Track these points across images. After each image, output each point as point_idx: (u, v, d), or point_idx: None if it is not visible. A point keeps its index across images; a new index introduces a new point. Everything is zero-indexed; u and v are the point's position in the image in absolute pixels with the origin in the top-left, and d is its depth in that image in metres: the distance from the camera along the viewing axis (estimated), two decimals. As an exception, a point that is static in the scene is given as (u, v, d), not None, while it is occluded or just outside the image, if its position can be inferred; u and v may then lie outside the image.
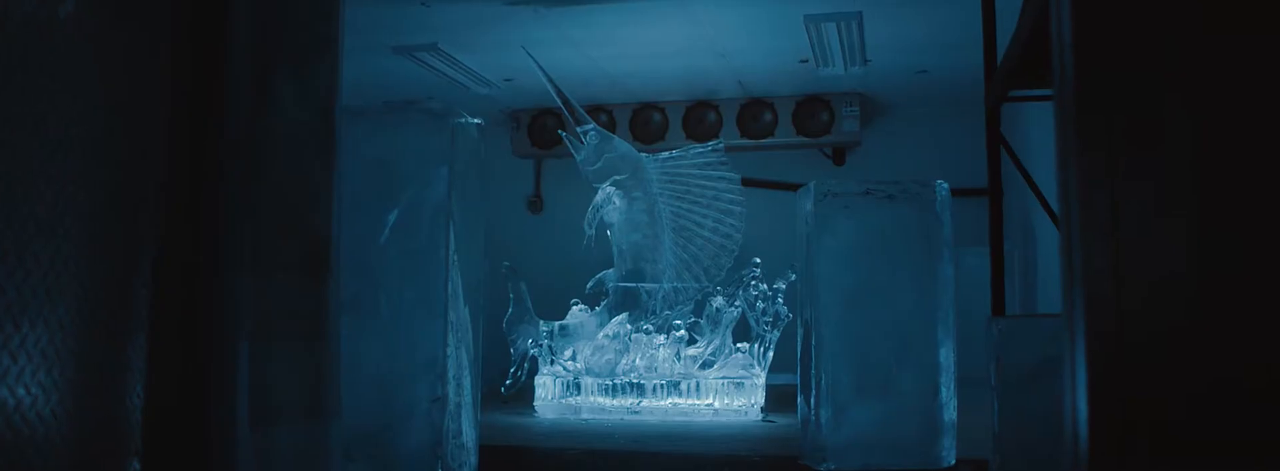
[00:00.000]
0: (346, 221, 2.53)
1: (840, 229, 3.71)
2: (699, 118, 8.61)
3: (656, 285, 6.03)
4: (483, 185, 2.69)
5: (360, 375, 2.38)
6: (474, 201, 2.61)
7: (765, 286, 5.92)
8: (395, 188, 2.46)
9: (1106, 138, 1.40)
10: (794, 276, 5.87)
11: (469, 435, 2.49)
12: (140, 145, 1.63)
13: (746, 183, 6.29)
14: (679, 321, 5.95)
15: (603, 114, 8.41)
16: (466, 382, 2.46)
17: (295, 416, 1.93)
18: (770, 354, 5.89)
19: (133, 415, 1.54)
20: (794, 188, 8.43)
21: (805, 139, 8.56)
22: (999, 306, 3.50)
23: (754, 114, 8.56)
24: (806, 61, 7.42)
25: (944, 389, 3.66)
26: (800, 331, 3.91)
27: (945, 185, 3.78)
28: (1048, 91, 3.82)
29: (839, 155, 8.88)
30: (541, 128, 8.84)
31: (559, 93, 6.08)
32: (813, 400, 3.71)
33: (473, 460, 2.57)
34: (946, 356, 3.67)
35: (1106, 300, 1.31)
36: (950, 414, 3.67)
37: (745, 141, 8.46)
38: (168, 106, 1.72)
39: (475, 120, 2.58)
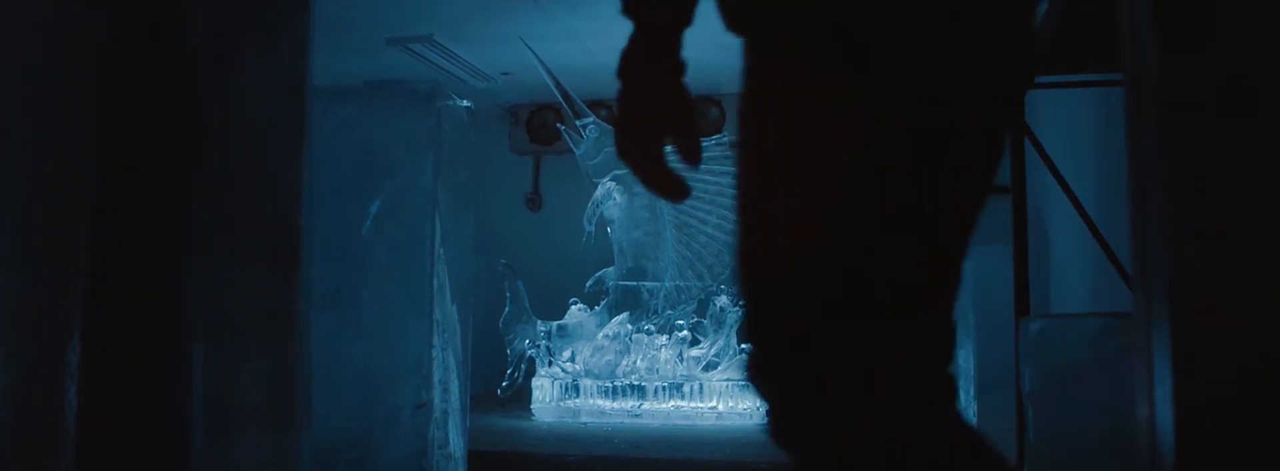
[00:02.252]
0: (326, 211, 2.34)
1: (853, 223, 3.51)
2: (701, 113, 8.42)
3: (658, 284, 5.83)
4: (473, 173, 2.50)
5: (338, 378, 2.19)
6: (463, 191, 2.42)
7: (771, 285, 5.72)
8: (378, 175, 2.27)
9: (1193, 120, 1.21)
10: (800, 275, 5.68)
11: (457, 444, 2.30)
12: (77, 123, 1.44)
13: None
14: (681, 321, 5.75)
15: (603, 109, 8.21)
16: (454, 387, 2.27)
17: (258, 426, 1.75)
18: (776, 355, 5.69)
19: (63, 425, 1.35)
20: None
21: (810, 135, 8.36)
22: (1023, 305, 3.30)
23: (758, 109, 8.37)
24: (812, 54, 7.24)
25: (962, 393, 3.47)
26: (811, 331, 3.70)
27: (964, 177, 3.58)
28: (1077, 77, 3.61)
29: (844, 152, 8.69)
30: (540, 123, 8.64)
31: (558, 85, 5.90)
32: (824, 404, 3.51)
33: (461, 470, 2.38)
34: (965, 358, 3.48)
35: (1197, 299, 1.12)
36: (969, 419, 3.47)
37: (749, 137, 8.26)
38: (112, 80, 1.53)
39: (464, 103, 2.38)
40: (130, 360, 1.60)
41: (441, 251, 2.25)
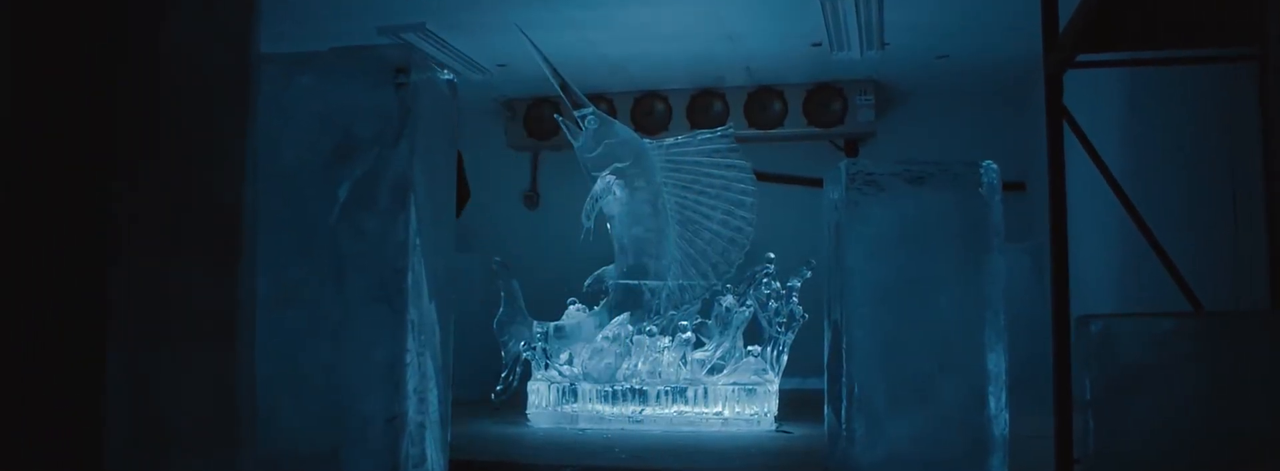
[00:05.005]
0: (286, 196, 2.07)
1: (874, 216, 3.24)
2: (704, 107, 8.16)
3: (660, 283, 5.55)
4: (455, 155, 2.22)
5: (298, 388, 1.92)
6: (443, 174, 2.14)
7: (778, 285, 5.44)
8: (345, 155, 1.99)
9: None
10: (809, 273, 5.42)
11: (435, 461, 2.02)
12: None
13: (759, 177, 5.80)
14: (685, 322, 5.48)
15: (603, 103, 7.96)
16: (432, 396, 2.00)
17: (191, 447, 1.47)
18: (784, 358, 5.42)
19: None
20: (810, 182, 7.97)
21: (817, 129, 8.11)
22: (1062, 306, 3.04)
23: (763, 103, 8.11)
24: (820, 45, 6.97)
25: (993, 399, 3.20)
26: (828, 333, 3.43)
27: (994, 166, 3.32)
28: (1125, 55, 3.32)
29: (851, 147, 8.43)
30: (538, 117, 8.38)
31: (556, 73, 5.63)
32: (843, 412, 3.24)
33: (442, 489, 2.11)
34: (996, 362, 3.21)
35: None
36: (1001, 428, 3.20)
37: (753, 132, 8.01)
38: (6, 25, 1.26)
39: (446, 74, 2.11)
40: (29, 370, 1.32)
41: (417, 242, 1.97)
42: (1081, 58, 3.12)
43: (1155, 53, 3.25)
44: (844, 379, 3.23)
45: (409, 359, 1.92)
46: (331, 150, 2.01)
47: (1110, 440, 2.08)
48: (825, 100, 8.04)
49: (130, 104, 1.46)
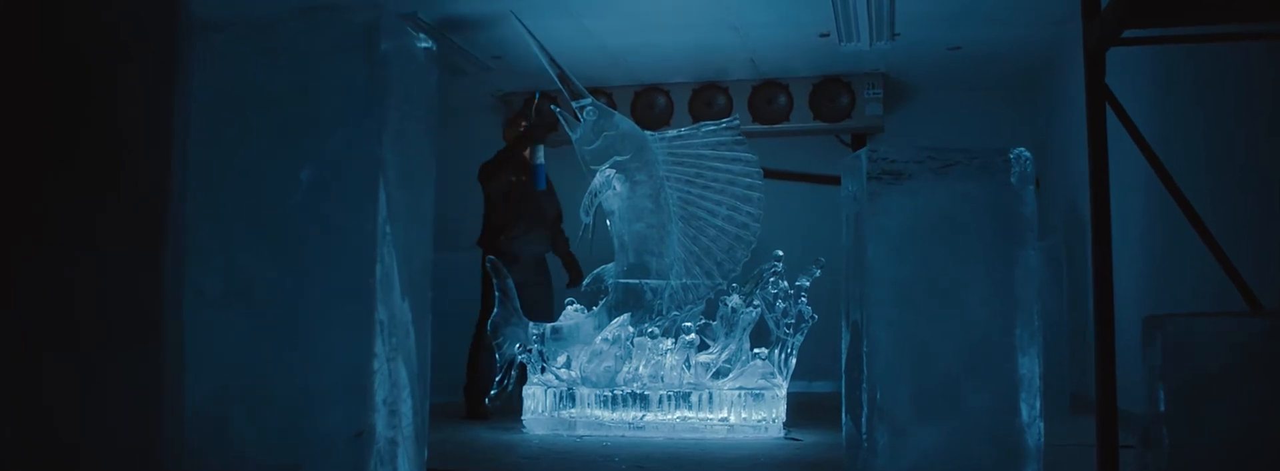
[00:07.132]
0: (240, 181, 1.83)
1: (897, 208, 2.99)
2: (707, 101, 7.92)
3: (663, 282, 5.31)
4: (434, 134, 1.98)
5: (252, 398, 1.68)
6: (420, 155, 1.90)
7: (786, 284, 5.20)
8: (308, 133, 1.75)
9: None
10: (819, 272, 5.18)
11: (409, 481, 1.78)
12: None
13: (767, 175, 5.55)
14: (689, 323, 5.23)
15: (602, 97, 7.73)
16: (405, 407, 1.75)
17: (106, 464, 1.23)
18: (793, 361, 5.17)
19: None
20: (820, 180, 7.73)
21: (822, 124, 7.88)
22: (1105, 304, 2.79)
23: (767, 97, 7.87)
24: (828, 35, 6.73)
25: (1026, 407, 2.95)
26: (847, 335, 3.19)
27: (1027, 154, 3.07)
28: (1174, 31, 3.06)
29: (859, 142, 8.19)
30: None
31: (553, 62, 5.39)
32: (863, 419, 3.00)
33: (420, 510, 1.86)
34: (1029, 366, 2.96)
35: None
36: (1035, 437, 2.96)
37: (757, 127, 7.78)
38: None
39: (424, 42, 1.86)
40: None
41: (388, 231, 1.73)
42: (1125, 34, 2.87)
43: (1207, 28, 3.00)
44: (864, 384, 2.99)
45: (377, 365, 1.67)
46: (292, 128, 1.77)
47: (1187, 454, 1.83)
48: (832, 94, 7.81)
49: (28, 71, 1.22)
